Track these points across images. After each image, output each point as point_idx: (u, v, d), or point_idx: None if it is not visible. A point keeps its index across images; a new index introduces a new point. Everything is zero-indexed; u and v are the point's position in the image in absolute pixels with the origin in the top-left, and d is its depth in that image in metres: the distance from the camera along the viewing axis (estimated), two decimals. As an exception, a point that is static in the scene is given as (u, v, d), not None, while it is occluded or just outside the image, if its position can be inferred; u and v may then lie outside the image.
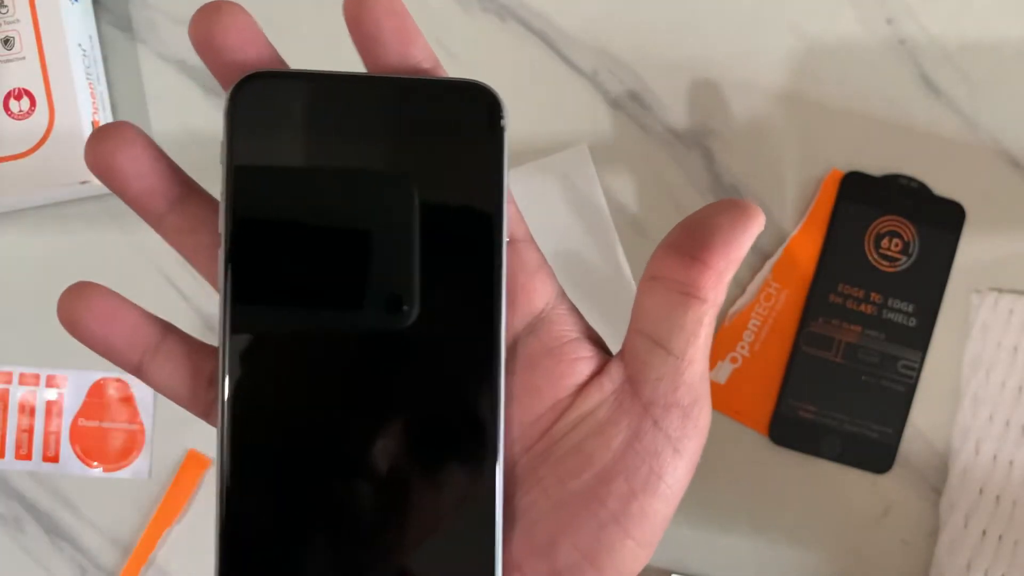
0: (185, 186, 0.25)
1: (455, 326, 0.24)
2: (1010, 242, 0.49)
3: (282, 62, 0.25)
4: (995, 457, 0.47)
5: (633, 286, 0.49)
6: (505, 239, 0.24)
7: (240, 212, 0.24)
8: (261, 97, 0.24)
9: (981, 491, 0.47)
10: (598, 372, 0.25)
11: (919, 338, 0.48)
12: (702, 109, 0.49)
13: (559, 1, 0.50)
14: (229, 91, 0.24)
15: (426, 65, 0.24)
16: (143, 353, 0.25)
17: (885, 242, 0.48)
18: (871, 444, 0.48)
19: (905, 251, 0.48)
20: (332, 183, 0.24)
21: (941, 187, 0.48)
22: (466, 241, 0.24)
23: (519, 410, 0.24)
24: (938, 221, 0.48)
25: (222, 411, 0.23)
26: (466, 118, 0.24)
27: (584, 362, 0.25)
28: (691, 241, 0.23)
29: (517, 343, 0.24)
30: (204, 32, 0.24)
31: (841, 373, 0.48)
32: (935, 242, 0.48)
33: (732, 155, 0.49)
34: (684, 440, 0.24)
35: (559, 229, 0.49)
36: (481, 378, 0.24)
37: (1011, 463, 0.47)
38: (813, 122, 0.49)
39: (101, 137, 0.24)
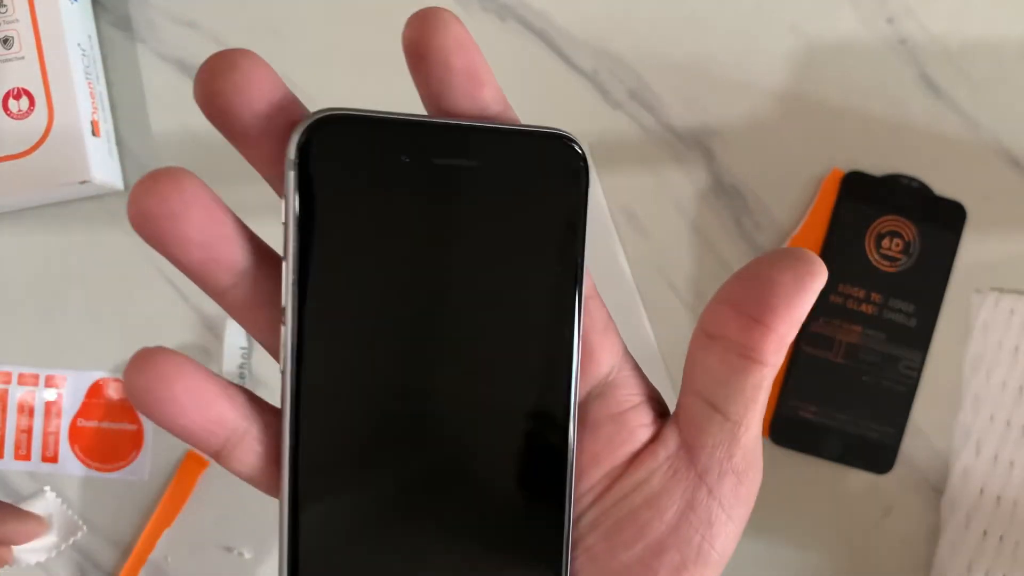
0: (252, 252, 0.22)
1: (531, 389, 0.23)
2: (1011, 242, 0.48)
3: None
4: (996, 457, 0.47)
5: (634, 287, 0.49)
6: (583, 299, 0.23)
7: (311, 285, 0.21)
8: (333, 144, 0.21)
9: (982, 491, 0.47)
10: (654, 438, 0.24)
11: (920, 338, 0.48)
12: (702, 109, 0.49)
13: (559, 1, 0.50)
14: (296, 136, 0.21)
15: (496, 108, 0.22)
16: (224, 442, 0.21)
17: (886, 242, 0.48)
18: (872, 444, 0.48)
19: (906, 251, 0.48)
20: (411, 247, 0.22)
21: (942, 187, 0.48)
22: (545, 302, 0.23)
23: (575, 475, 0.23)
24: (939, 221, 0.48)
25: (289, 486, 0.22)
26: (550, 171, 0.23)
27: (644, 429, 0.24)
28: (752, 299, 0.22)
29: (583, 406, 0.24)
30: (212, 91, 0.20)
31: (842, 373, 0.48)
32: (936, 242, 0.48)
33: (732, 155, 0.49)
34: (736, 507, 0.23)
35: None
36: (553, 442, 0.23)
37: (1012, 463, 0.47)
38: (814, 122, 0.49)
39: (147, 190, 0.20)
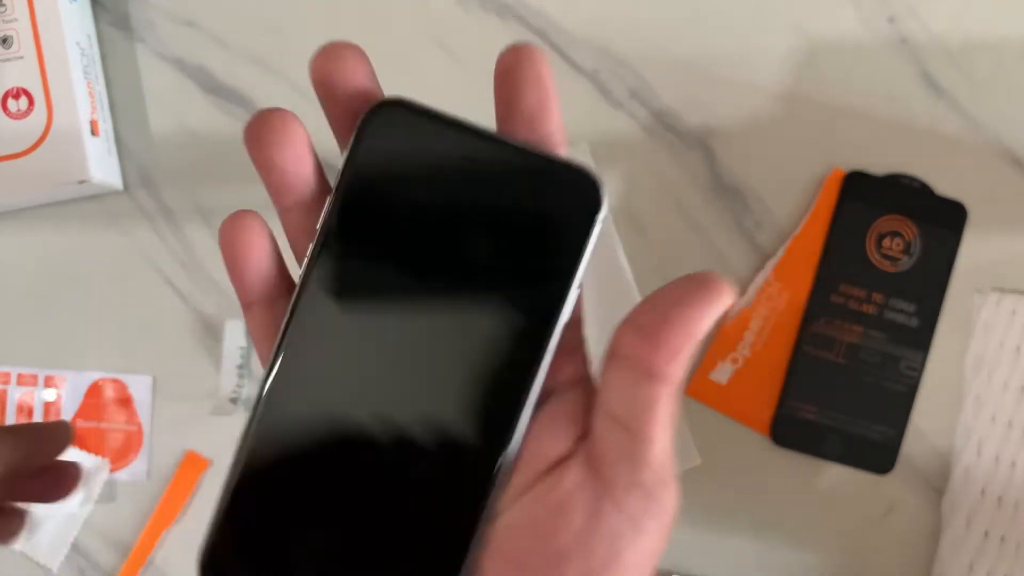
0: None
1: (477, 401, 0.25)
2: (1012, 242, 0.48)
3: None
4: (997, 458, 0.47)
5: (634, 286, 0.48)
6: (559, 329, 0.24)
7: (334, 231, 0.25)
8: (390, 127, 0.25)
9: (983, 492, 0.47)
10: (574, 449, 0.25)
11: (921, 338, 0.48)
12: (703, 108, 0.49)
13: (560, 0, 0.50)
14: (363, 114, 0.25)
15: (555, 139, 0.25)
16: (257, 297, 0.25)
17: (887, 242, 0.48)
18: (873, 445, 0.48)
19: (907, 251, 0.48)
20: (426, 235, 0.25)
21: (943, 186, 0.48)
22: (523, 323, 0.25)
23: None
24: (940, 221, 0.48)
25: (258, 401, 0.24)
26: (564, 200, 0.25)
27: (569, 439, 0.25)
28: (651, 318, 0.23)
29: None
30: (322, 71, 0.25)
31: (843, 373, 0.48)
32: (937, 242, 0.48)
33: (733, 154, 0.49)
34: (647, 519, 0.23)
35: None
36: (481, 447, 0.24)
37: (1013, 464, 0.47)
38: (815, 121, 0.49)
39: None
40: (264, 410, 0.24)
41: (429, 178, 0.25)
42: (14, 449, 0.30)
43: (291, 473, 0.24)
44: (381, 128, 0.25)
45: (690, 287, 0.23)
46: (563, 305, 0.25)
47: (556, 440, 0.25)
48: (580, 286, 0.25)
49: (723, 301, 0.23)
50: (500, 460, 0.24)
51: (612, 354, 0.24)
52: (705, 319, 0.23)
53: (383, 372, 0.24)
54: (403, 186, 0.25)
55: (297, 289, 0.24)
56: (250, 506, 0.24)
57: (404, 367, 0.24)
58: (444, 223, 0.24)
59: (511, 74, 0.24)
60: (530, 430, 0.25)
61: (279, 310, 0.25)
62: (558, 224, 0.25)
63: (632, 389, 0.23)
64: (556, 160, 0.24)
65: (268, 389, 0.24)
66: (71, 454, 0.49)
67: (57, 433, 0.38)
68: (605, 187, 0.24)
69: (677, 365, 0.23)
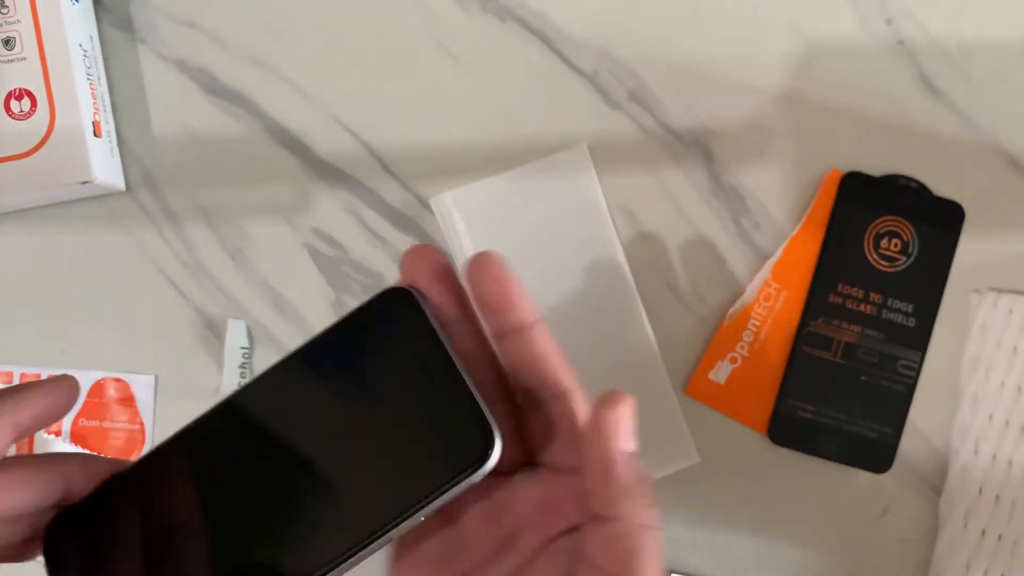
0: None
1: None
2: (1009, 242, 0.49)
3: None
4: (994, 456, 0.47)
5: (633, 286, 0.49)
6: (385, 538, 0.27)
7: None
8: (386, 314, 0.29)
9: (980, 490, 0.47)
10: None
11: (918, 338, 0.48)
12: (702, 109, 0.49)
13: (559, 2, 0.50)
14: (377, 294, 0.28)
15: (528, 322, 0.28)
16: None
17: (884, 242, 0.48)
18: (870, 444, 0.48)
19: (904, 251, 0.48)
20: (332, 412, 0.28)
21: (940, 187, 0.49)
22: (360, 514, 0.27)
23: None
24: (937, 221, 0.48)
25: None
26: (456, 446, 0.27)
27: None
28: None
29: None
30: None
31: (841, 373, 0.48)
32: (934, 242, 0.48)
33: (732, 155, 0.49)
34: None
35: (559, 229, 0.49)
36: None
37: (1010, 462, 0.47)
38: (812, 122, 0.49)
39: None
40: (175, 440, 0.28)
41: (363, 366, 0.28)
42: (21, 411, 0.30)
43: (153, 496, 0.28)
44: (378, 310, 0.28)
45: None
46: (396, 522, 0.26)
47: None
48: (425, 516, 0.27)
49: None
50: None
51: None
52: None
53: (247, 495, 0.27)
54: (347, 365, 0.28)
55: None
56: (111, 501, 0.27)
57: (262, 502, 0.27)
58: (352, 411, 0.27)
59: (474, 278, 0.27)
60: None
61: None
62: (436, 456, 0.27)
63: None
64: (475, 414, 0.26)
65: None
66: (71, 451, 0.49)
67: (63, 388, 0.38)
68: (496, 453, 0.26)
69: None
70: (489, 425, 0.26)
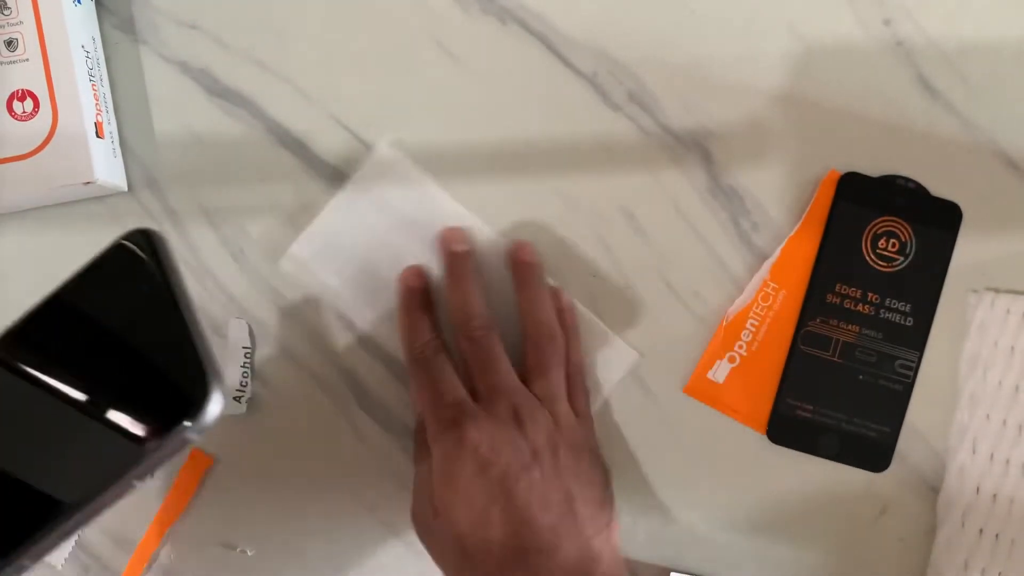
0: None
1: None
2: (1007, 242, 0.49)
3: None
4: (992, 456, 0.47)
5: (502, 246, 0.49)
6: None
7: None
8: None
9: (978, 490, 0.47)
10: None
11: (916, 338, 0.48)
12: (701, 111, 0.49)
13: (559, 3, 0.50)
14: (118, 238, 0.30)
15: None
16: None
17: (882, 242, 0.48)
18: (868, 443, 0.48)
19: (902, 251, 0.48)
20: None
21: (938, 188, 0.49)
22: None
23: None
24: (935, 221, 0.49)
25: None
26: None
27: None
28: None
29: None
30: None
31: (839, 372, 0.48)
32: (932, 242, 0.48)
33: (730, 156, 0.49)
34: None
35: (414, 226, 0.49)
36: None
37: (1008, 461, 0.47)
38: (811, 123, 0.49)
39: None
40: None
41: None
42: None
43: None
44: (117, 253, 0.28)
45: None
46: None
47: None
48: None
49: None
50: None
51: None
52: None
53: None
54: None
55: None
56: None
57: None
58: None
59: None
60: None
61: None
62: (152, 406, 0.26)
63: None
64: (196, 365, 0.26)
65: None
66: None
67: None
68: (212, 409, 0.25)
69: None
70: (207, 378, 0.25)
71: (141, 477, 0.25)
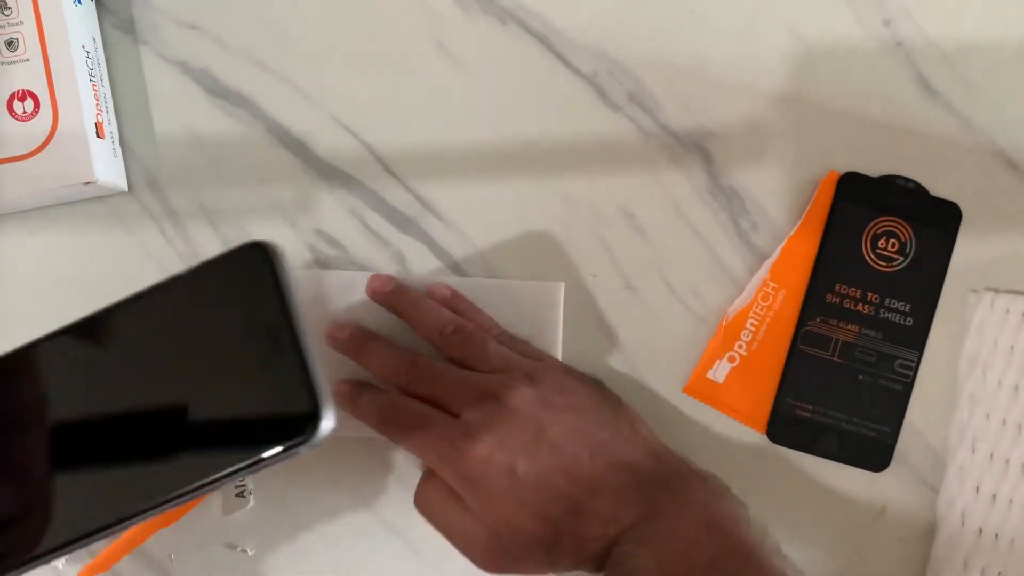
0: None
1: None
2: (1006, 242, 0.49)
3: None
4: (992, 455, 0.48)
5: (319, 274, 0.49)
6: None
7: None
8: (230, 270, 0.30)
9: (978, 489, 0.47)
10: None
11: (916, 337, 0.48)
12: (701, 111, 0.50)
13: (559, 3, 0.50)
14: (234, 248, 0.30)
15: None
16: None
17: (882, 242, 0.48)
18: (868, 443, 0.48)
19: (902, 251, 0.48)
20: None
21: (938, 188, 0.49)
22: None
23: None
24: (935, 222, 0.49)
25: None
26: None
27: None
28: None
29: None
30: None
31: (838, 372, 0.48)
32: (932, 242, 0.49)
33: (730, 156, 0.49)
34: None
35: None
36: None
37: (1008, 461, 0.47)
38: (811, 123, 0.49)
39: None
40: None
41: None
42: None
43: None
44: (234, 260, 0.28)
45: None
46: (195, 488, 0.27)
47: None
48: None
49: None
50: None
51: None
52: None
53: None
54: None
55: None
56: None
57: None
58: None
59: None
60: None
61: None
62: (260, 421, 0.27)
63: None
64: (306, 386, 0.26)
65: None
66: None
67: None
68: (323, 431, 0.26)
69: None
70: (318, 400, 0.25)
71: (244, 476, 0.26)
